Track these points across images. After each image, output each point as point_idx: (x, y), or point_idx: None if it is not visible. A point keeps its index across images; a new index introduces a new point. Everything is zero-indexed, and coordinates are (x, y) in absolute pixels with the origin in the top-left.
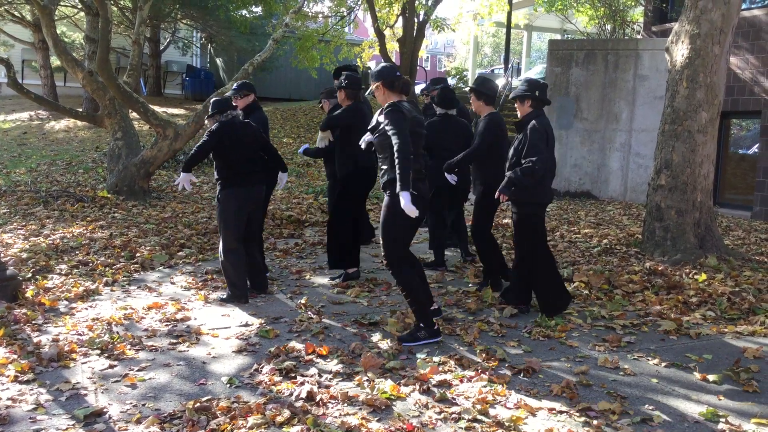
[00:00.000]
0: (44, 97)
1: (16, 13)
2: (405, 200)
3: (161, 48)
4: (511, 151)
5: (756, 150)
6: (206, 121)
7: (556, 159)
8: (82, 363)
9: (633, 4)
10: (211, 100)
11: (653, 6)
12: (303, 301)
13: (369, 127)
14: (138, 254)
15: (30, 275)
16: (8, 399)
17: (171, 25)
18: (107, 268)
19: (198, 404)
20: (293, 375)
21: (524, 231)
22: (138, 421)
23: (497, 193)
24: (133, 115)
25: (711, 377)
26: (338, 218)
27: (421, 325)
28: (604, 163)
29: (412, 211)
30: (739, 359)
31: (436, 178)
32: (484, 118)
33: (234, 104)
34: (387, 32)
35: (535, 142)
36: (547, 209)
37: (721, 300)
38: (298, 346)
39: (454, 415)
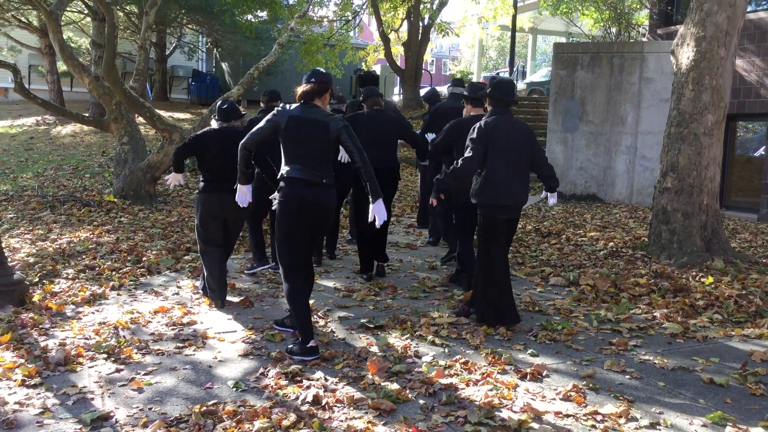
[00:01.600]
0: (51, 102)
1: (22, 19)
2: None
3: (167, 53)
4: None
5: (762, 152)
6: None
7: (556, 160)
8: (89, 367)
9: (638, 7)
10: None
11: (658, 9)
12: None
13: None
14: (144, 258)
15: (37, 280)
16: (15, 403)
17: (177, 30)
18: (114, 273)
19: (204, 408)
20: (299, 379)
21: (479, 231)
22: (145, 425)
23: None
24: (140, 119)
25: (718, 380)
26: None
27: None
28: (609, 165)
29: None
30: (746, 362)
31: None
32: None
33: (241, 114)
34: (392, 36)
35: (469, 143)
36: (550, 211)
37: (727, 303)
38: None
39: (460, 419)
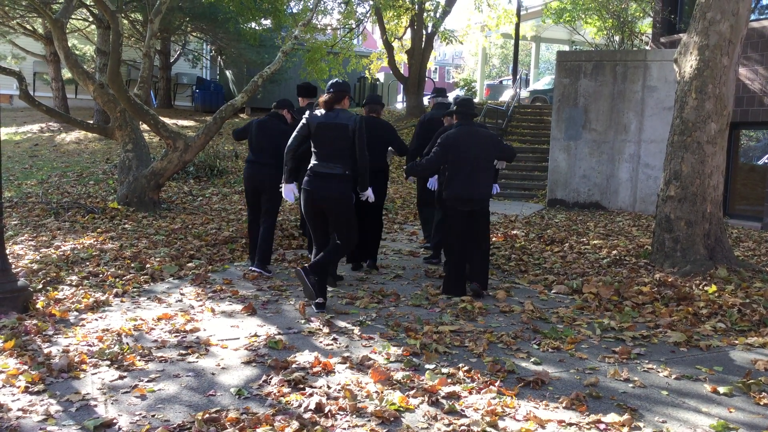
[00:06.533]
0: (55, 109)
1: (28, 26)
2: None
3: (171, 60)
4: None
5: (766, 161)
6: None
7: (559, 168)
8: (92, 374)
9: (641, 15)
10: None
11: (662, 17)
12: None
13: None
14: (148, 265)
15: (41, 286)
16: (19, 410)
17: (181, 37)
18: (117, 279)
19: (207, 415)
20: (302, 386)
21: (444, 217)
22: None
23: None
24: (144, 126)
25: (721, 389)
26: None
27: None
28: (613, 173)
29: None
30: (750, 371)
31: None
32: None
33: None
34: (395, 44)
35: (435, 148)
36: (553, 219)
37: (731, 311)
38: (307, 357)
39: (462, 427)
